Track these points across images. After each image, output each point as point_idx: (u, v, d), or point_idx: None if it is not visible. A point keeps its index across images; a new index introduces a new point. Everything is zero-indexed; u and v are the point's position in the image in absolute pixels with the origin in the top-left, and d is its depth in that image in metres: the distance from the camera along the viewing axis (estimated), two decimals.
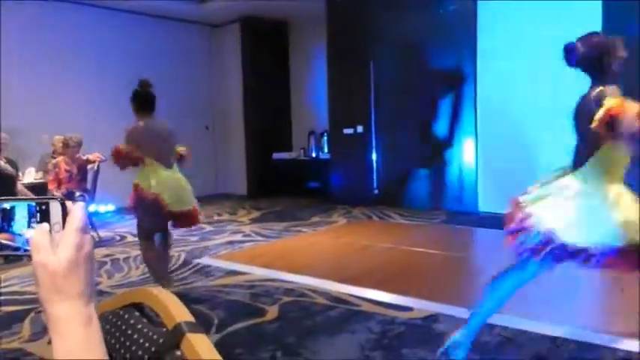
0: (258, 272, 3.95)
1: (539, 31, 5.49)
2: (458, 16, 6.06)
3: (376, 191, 7.04)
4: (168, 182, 3.37)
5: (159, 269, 3.50)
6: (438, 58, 6.30)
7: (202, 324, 2.52)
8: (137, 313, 0.74)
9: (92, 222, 5.20)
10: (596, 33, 2.38)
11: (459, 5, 6.04)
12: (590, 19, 5.15)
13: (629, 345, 2.40)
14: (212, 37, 8.83)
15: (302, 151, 8.61)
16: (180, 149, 3.64)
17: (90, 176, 5.36)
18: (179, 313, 0.65)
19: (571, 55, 2.35)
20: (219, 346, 2.45)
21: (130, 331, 0.70)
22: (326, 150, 8.12)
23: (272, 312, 3.06)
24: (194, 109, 8.57)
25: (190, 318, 0.65)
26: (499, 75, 5.84)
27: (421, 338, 2.61)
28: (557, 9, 5.39)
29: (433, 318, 2.87)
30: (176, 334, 0.64)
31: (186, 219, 3.47)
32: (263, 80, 8.56)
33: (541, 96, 5.54)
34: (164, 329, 0.67)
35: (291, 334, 2.72)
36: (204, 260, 4.39)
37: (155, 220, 3.37)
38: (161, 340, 0.66)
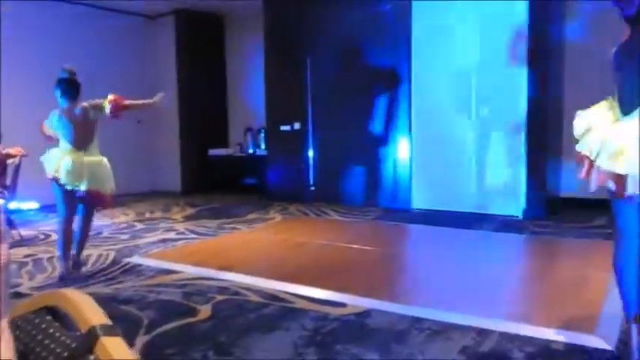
0: (191, 271, 3.87)
1: (467, 31, 5.70)
2: (393, 15, 6.18)
3: (313, 188, 7.07)
4: (73, 164, 3.64)
5: (63, 245, 3.77)
6: (374, 56, 6.39)
7: (131, 325, 2.45)
8: (49, 317, 0.70)
9: (12, 221, 4.93)
10: None
11: (395, 4, 6.15)
12: (515, 19, 5.41)
13: (551, 334, 2.53)
14: (146, 29, 8.57)
15: (238, 147, 8.52)
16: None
17: (10, 171, 5.07)
18: (94, 315, 0.62)
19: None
20: (148, 347, 2.39)
21: (40, 337, 0.66)
22: (263, 146, 8.07)
23: (204, 311, 3.01)
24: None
25: (106, 320, 0.62)
26: (432, 74, 6.00)
27: (354, 334, 2.64)
28: (484, 8, 5.59)
29: (366, 314, 2.91)
30: (90, 338, 0.61)
31: (93, 200, 3.80)
32: (198, 74, 8.40)
33: (467, 94, 5.75)
34: (77, 333, 0.64)
35: (224, 333, 2.69)
36: (135, 259, 4.26)
37: (62, 200, 3.72)
38: (74, 345, 0.63)
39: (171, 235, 5.20)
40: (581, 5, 5.89)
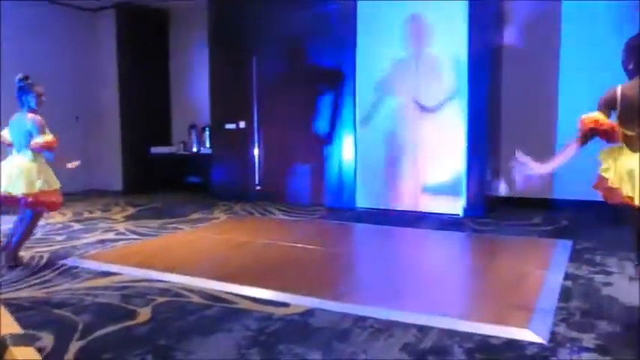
0: (131, 272, 3.75)
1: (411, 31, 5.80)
2: (338, 15, 6.21)
3: (258, 187, 7.02)
4: (5, 167, 3.83)
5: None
6: (319, 55, 6.41)
7: (65, 330, 2.35)
8: None
9: None
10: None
11: (340, 4, 6.17)
12: (456, 20, 5.54)
13: (489, 330, 2.60)
14: (86, 23, 8.24)
15: (182, 145, 8.35)
16: (36, 141, 3.86)
17: None
18: (5, 325, 0.58)
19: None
20: (83, 352, 2.30)
21: None
22: (208, 145, 7.94)
23: (144, 314, 2.92)
24: (65, 97, 7.97)
25: (17, 329, 0.57)
26: (377, 73, 6.06)
27: (298, 334, 2.63)
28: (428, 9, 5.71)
29: (309, 313, 2.90)
30: None
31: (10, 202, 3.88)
32: (141, 70, 8.17)
33: (411, 94, 5.85)
34: None
35: (164, 335, 2.62)
36: (71, 261, 4.08)
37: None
38: None
39: (111, 235, 5.04)
40: (519, 9, 6.10)
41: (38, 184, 3.82)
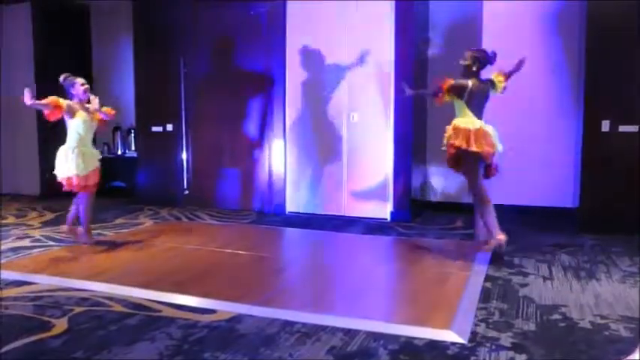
0: (47, 281, 3.56)
1: (342, 33, 5.86)
2: (268, 17, 6.17)
3: (186, 192, 6.85)
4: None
5: None
6: (249, 57, 6.34)
7: None
8: None
9: None
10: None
11: (269, 6, 6.14)
12: (387, 23, 5.66)
13: (413, 331, 2.65)
14: None
15: (106, 147, 8.01)
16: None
17: None
18: None
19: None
20: None
21: None
22: (133, 147, 7.68)
23: (60, 325, 2.77)
24: None
25: None
26: (307, 76, 6.07)
27: (224, 340, 2.58)
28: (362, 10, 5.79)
29: (236, 319, 2.86)
30: None
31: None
32: (60, 69, 7.73)
33: (342, 99, 5.91)
34: None
35: (82, 347, 2.49)
36: None
37: None
38: None
39: (26, 242, 4.75)
40: (441, 21, 6.32)
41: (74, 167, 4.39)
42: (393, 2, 5.61)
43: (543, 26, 5.91)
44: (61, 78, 4.64)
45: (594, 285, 3.46)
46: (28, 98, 4.26)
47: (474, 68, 4.16)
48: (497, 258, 4.08)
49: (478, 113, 4.15)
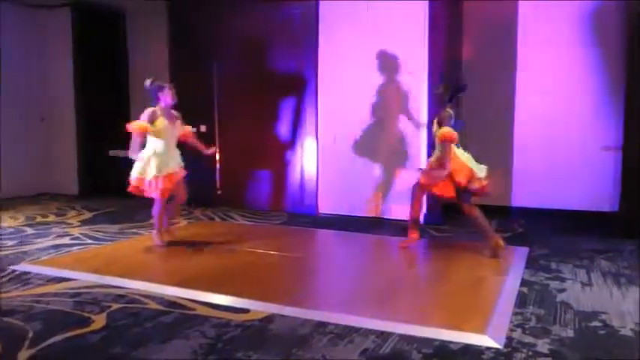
0: (86, 278, 3.65)
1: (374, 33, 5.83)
2: (300, 18, 6.20)
3: (219, 192, 6.92)
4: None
5: None
6: (281, 58, 6.38)
7: (14, 339, 2.26)
8: None
9: None
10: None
11: (302, 6, 6.16)
12: (415, 20, 5.61)
13: (447, 335, 2.62)
14: (39, 21, 7.97)
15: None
16: None
17: None
18: None
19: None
20: None
21: None
22: None
23: (98, 321, 2.83)
24: (17, 98, 7.71)
25: None
26: (341, 76, 6.07)
27: (256, 340, 2.60)
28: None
29: (269, 319, 2.88)
30: None
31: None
32: (99, 72, 7.97)
33: (373, 99, 5.89)
34: None
35: (119, 343, 2.54)
36: (22, 267, 3.94)
37: None
38: None
39: (66, 240, 4.88)
40: (476, 22, 6.24)
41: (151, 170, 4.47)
42: (427, 3, 5.56)
43: (581, 26, 5.78)
44: (148, 82, 4.61)
45: (635, 292, 3.36)
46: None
47: (446, 97, 4.32)
48: (533, 262, 4.01)
49: None
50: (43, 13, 7.96)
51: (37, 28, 7.96)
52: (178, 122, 4.70)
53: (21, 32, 7.79)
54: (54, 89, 8.03)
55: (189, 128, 4.89)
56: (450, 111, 4.24)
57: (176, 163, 4.65)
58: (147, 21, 8.08)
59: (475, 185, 4.15)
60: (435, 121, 4.34)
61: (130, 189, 4.63)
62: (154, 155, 4.50)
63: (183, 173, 4.73)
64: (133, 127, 4.52)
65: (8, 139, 7.51)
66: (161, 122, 4.52)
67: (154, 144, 4.53)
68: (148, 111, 4.51)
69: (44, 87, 8.04)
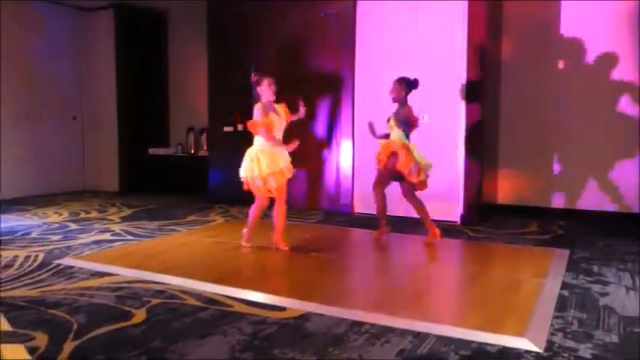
0: (127, 273, 3.73)
1: (411, 35, 5.79)
2: (338, 18, 6.20)
3: None
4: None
5: None
6: (318, 58, 6.41)
7: (59, 330, 2.33)
8: None
9: None
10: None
11: (339, 7, 6.17)
12: (453, 20, 5.54)
13: (484, 337, 2.59)
14: (82, 22, 8.22)
15: (180, 147, 8.34)
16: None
17: None
18: None
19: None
20: (77, 353, 2.28)
21: None
22: (205, 147, 7.93)
23: (139, 315, 2.90)
24: (63, 96, 7.97)
25: (6, 327, 0.56)
26: (377, 77, 6.05)
27: (292, 338, 2.62)
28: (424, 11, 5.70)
29: (305, 317, 2.89)
30: None
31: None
32: (139, 71, 8.17)
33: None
34: None
35: (158, 337, 2.60)
36: (66, 261, 4.06)
37: None
38: None
39: (107, 236, 5.01)
40: (519, 24, 6.12)
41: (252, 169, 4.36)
42: (466, 2, 5.48)
43: (623, 25, 5.61)
44: (254, 78, 4.56)
45: None
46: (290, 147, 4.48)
47: (403, 94, 4.64)
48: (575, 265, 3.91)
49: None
50: (88, 15, 8.20)
51: (82, 30, 8.20)
52: (283, 117, 4.51)
53: (67, 33, 8.04)
54: (97, 89, 8.27)
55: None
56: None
57: (285, 161, 4.45)
58: (187, 22, 8.24)
59: (414, 179, 4.50)
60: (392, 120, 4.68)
61: (244, 187, 4.53)
62: (261, 153, 4.34)
63: (291, 173, 4.50)
64: (256, 125, 4.34)
65: (55, 138, 7.78)
66: (272, 117, 4.39)
67: (261, 141, 4.38)
68: (258, 106, 4.38)
69: (90, 87, 8.28)
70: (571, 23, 5.85)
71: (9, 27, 7.14)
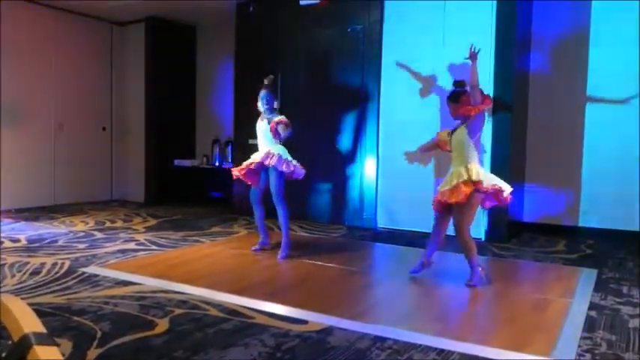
0: (150, 283, 3.77)
1: (438, 51, 5.78)
2: (364, 34, 6.23)
3: None
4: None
5: None
6: (344, 73, 6.43)
7: (84, 337, 2.35)
8: None
9: None
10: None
11: (366, 23, 6.20)
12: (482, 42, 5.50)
13: (509, 356, 2.53)
14: (114, 35, 8.42)
15: (205, 158, 8.42)
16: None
17: None
18: (29, 323, 0.57)
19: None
20: None
21: None
22: (230, 159, 7.99)
23: (162, 324, 2.92)
24: (94, 108, 8.15)
25: (41, 329, 0.57)
26: (401, 94, 6.05)
27: (314, 351, 2.60)
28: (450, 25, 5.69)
29: (327, 331, 2.87)
30: (22, 347, 0.56)
31: None
32: (167, 83, 8.30)
33: (434, 116, 5.81)
34: (10, 342, 0.59)
35: (181, 347, 2.61)
36: (92, 269, 4.12)
37: None
38: (3, 354, 0.58)
39: (132, 245, 5.07)
40: (545, 35, 6.06)
41: None
42: (494, 20, 5.45)
43: None
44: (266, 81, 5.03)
45: None
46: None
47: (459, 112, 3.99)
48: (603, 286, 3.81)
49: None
50: (123, 29, 8.40)
51: (116, 43, 8.41)
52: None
53: (103, 46, 8.25)
54: (127, 101, 8.44)
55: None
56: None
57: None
58: (215, 34, 8.37)
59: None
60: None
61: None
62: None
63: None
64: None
65: (86, 148, 7.95)
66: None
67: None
68: (284, 118, 4.91)
69: (118, 99, 8.46)
70: (603, 24, 5.75)
71: (54, 41, 7.38)
